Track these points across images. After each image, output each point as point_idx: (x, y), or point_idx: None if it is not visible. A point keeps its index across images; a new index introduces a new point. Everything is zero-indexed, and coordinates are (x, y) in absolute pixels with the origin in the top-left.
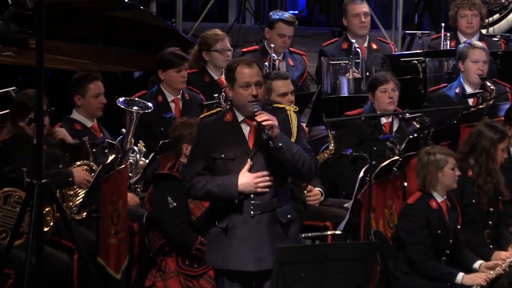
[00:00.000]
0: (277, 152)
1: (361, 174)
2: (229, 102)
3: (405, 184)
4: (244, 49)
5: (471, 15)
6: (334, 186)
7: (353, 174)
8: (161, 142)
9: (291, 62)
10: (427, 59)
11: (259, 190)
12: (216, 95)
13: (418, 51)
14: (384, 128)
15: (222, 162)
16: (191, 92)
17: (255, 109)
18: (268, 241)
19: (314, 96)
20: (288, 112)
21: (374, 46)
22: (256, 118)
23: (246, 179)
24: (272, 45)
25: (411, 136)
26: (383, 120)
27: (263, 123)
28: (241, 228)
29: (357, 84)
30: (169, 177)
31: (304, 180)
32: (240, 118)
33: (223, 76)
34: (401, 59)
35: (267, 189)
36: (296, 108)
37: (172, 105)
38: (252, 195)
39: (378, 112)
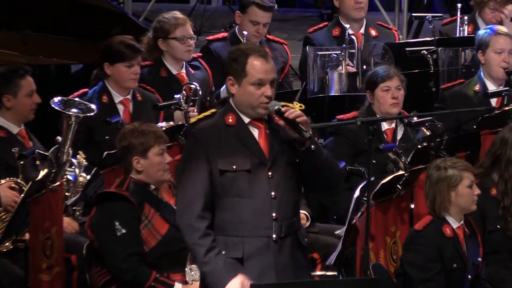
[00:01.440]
0: (311, 154)
1: (357, 193)
2: (202, 100)
3: (412, 205)
4: (210, 37)
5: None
6: (323, 209)
7: (346, 193)
8: (105, 153)
9: (269, 53)
10: (439, 48)
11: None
12: (178, 95)
13: (428, 38)
14: (385, 136)
15: (234, 176)
16: (144, 91)
17: (276, 107)
18: (291, 272)
19: (297, 96)
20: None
21: (373, 33)
22: (286, 115)
23: None
24: (245, 33)
25: (419, 146)
26: (385, 125)
27: (298, 119)
28: (262, 256)
29: (352, 80)
30: (116, 197)
31: (330, 191)
32: (246, 119)
33: (183, 70)
34: (407, 49)
35: None
36: (302, 106)
37: (120, 107)
38: (274, 214)
39: (378, 116)
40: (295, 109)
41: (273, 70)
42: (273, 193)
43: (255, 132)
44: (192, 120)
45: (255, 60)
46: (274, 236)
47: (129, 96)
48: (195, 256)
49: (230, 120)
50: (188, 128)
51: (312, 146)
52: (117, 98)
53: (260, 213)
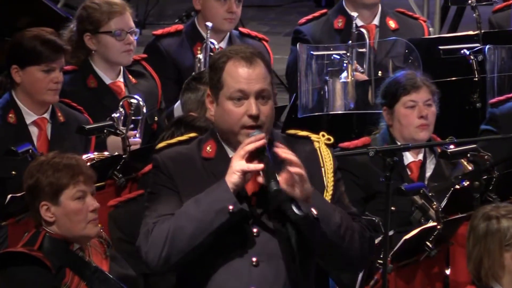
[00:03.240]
0: (309, 226)
1: None
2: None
3: (448, 271)
4: (158, 31)
5: None
6: (321, 275)
7: None
8: (9, 196)
9: None
10: (486, 46)
11: (249, 148)
12: (117, 114)
13: (471, 32)
14: (409, 172)
15: None
16: (69, 109)
17: (250, 138)
18: None
19: (284, 113)
20: (317, 145)
21: (392, 24)
22: (262, 162)
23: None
24: (209, 24)
25: (458, 186)
26: (409, 157)
27: (291, 169)
28: None
29: (362, 92)
30: (25, 260)
31: (349, 270)
32: (231, 152)
33: (120, 79)
34: (441, 48)
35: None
36: (330, 139)
37: (34, 130)
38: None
39: (399, 144)
40: (284, 150)
41: (262, 78)
42: (254, 259)
43: None
44: (160, 145)
45: (234, 65)
46: None
47: (46, 115)
48: (160, 242)
49: (208, 150)
50: (153, 155)
51: (314, 212)
52: (30, 117)
53: (234, 284)
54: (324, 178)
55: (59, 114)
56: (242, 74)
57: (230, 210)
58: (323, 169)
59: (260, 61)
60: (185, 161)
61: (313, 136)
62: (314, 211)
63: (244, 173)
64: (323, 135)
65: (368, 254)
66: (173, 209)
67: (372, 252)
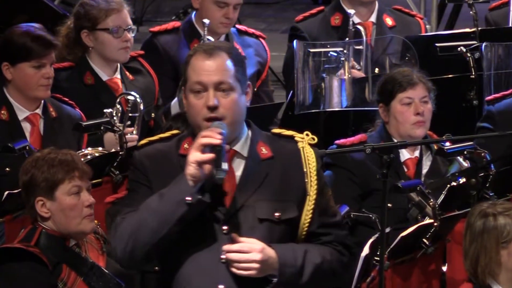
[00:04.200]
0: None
1: (365, 250)
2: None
3: (444, 268)
4: (155, 28)
5: None
6: None
7: None
8: (6, 193)
9: (239, 51)
10: (483, 44)
11: (206, 140)
12: (109, 110)
13: (468, 30)
14: (406, 169)
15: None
16: (61, 105)
17: (207, 132)
18: None
19: (281, 111)
20: (300, 144)
21: (389, 22)
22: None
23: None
24: (206, 21)
25: (454, 183)
26: (405, 154)
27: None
28: None
29: (359, 89)
30: (22, 256)
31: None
32: None
33: (117, 75)
34: (438, 45)
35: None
36: (314, 139)
37: (26, 126)
38: (221, 286)
39: (396, 141)
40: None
41: (221, 70)
42: (222, 256)
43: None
44: (141, 142)
45: (196, 58)
46: None
47: (38, 111)
48: (124, 235)
49: (185, 147)
50: (133, 152)
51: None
52: (22, 113)
53: (204, 281)
54: (307, 181)
55: (51, 109)
56: (201, 66)
57: (188, 201)
58: (306, 171)
59: (223, 53)
60: (161, 159)
61: (297, 136)
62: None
63: (199, 164)
64: (307, 135)
65: (342, 277)
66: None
67: (346, 273)
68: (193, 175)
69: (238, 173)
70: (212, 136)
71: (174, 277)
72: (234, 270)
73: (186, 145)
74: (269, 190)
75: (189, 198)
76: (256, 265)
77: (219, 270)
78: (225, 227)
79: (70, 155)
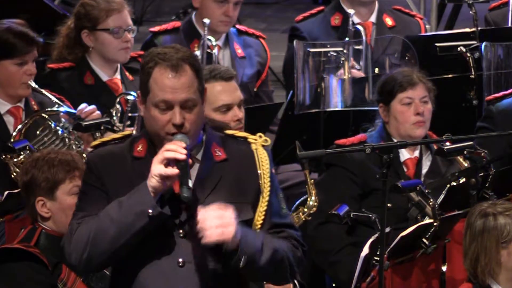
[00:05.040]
0: (238, 270)
1: (365, 250)
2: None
3: (444, 268)
4: (155, 28)
5: None
6: (317, 271)
7: (350, 250)
8: (6, 193)
9: (239, 51)
10: (483, 44)
11: (171, 155)
12: (114, 109)
13: (468, 30)
14: (406, 169)
15: None
16: (42, 96)
17: (171, 145)
18: None
19: (280, 111)
20: (254, 146)
21: (389, 22)
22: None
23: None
24: (206, 21)
25: (454, 183)
26: (405, 154)
27: (199, 225)
28: None
29: (359, 89)
30: (21, 256)
31: (274, 283)
32: None
33: (117, 76)
34: (437, 45)
35: (182, 154)
36: (267, 141)
37: (9, 119)
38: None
39: (396, 140)
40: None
41: (187, 87)
42: (180, 260)
43: None
44: (94, 143)
45: (160, 73)
46: None
47: (20, 104)
48: (81, 241)
49: (139, 150)
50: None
51: (241, 263)
52: (4, 106)
53: (161, 285)
54: (260, 182)
55: (33, 102)
56: (167, 84)
57: (150, 214)
58: (260, 172)
59: (187, 67)
60: (115, 161)
61: (251, 138)
62: (241, 261)
63: (163, 178)
64: (260, 137)
65: (297, 271)
66: (98, 209)
67: (301, 267)
68: (155, 187)
69: (193, 176)
70: (177, 151)
71: (134, 283)
72: (207, 236)
73: (140, 148)
74: (224, 192)
75: (151, 211)
76: (221, 221)
77: (177, 273)
78: (181, 231)
79: (71, 155)
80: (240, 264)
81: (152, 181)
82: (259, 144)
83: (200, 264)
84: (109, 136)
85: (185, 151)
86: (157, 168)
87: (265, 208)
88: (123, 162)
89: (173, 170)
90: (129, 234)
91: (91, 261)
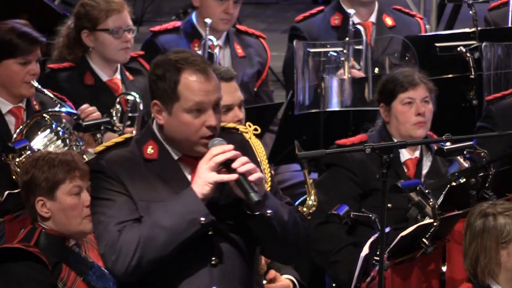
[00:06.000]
0: (262, 224)
1: (365, 250)
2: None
3: (444, 268)
4: (156, 28)
5: None
6: (317, 272)
7: (350, 250)
8: (6, 193)
9: (239, 50)
10: (483, 44)
11: (220, 159)
12: (114, 110)
13: (468, 30)
14: (406, 169)
15: None
16: (43, 96)
17: (217, 149)
18: None
19: (280, 111)
20: (247, 136)
21: (389, 22)
22: (235, 166)
23: (198, 172)
24: (207, 20)
25: (454, 183)
26: (405, 154)
27: (251, 178)
28: None
29: (359, 89)
30: (21, 256)
31: (290, 261)
32: (174, 154)
33: (117, 76)
34: (437, 45)
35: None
36: (258, 129)
37: (10, 119)
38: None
39: (396, 141)
40: (246, 160)
41: (217, 88)
42: (213, 259)
43: (188, 174)
44: (98, 148)
45: (191, 77)
46: None
47: (22, 104)
48: (130, 252)
49: (150, 152)
50: (93, 161)
51: (268, 212)
52: (5, 106)
53: (196, 286)
54: (263, 168)
55: (34, 102)
56: (201, 87)
57: (202, 222)
58: (260, 160)
59: (211, 70)
60: (129, 164)
61: (241, 128)
62: (268, 210)
63: (216, 184)
64: (250, 125)
65: (306, 239)
66: (131, 214)
67: (307, 237)
68: (206, 195)
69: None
70: (225, 151)
71: (163, 284)
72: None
73: (150, 150)
74: (232, 190)
75: (203, 219)
76: (261, 174)
77: (212, 273)
78: (211, 230)
79: (71, 155)
80: (267, 213)
81: (205, 189)
82: (251, 133)
83: (230, 261)
84: (110, 141)
85: (234, 152)
86: (211, 176)
87: (269, 190)
88: (137, 165)
89: (231, 176)
90: (179, 241)
91: (139, 268)
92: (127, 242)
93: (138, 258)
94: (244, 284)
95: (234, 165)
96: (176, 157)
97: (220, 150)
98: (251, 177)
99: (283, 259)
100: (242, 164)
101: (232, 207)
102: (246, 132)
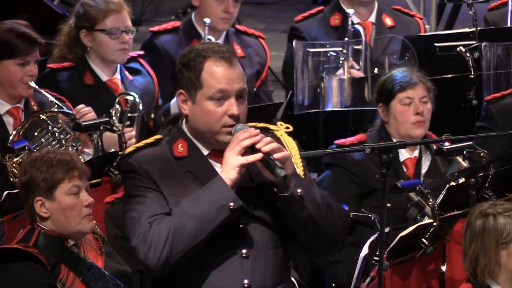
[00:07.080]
0: (294, 205)
1: (365, 250)
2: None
3: (444, 268)
4: (155, 28)
5: None
6: (317, 272)
7: (349, 250)
8: (6, 193)
9: (239, 51)
10: (482, 44)
11: (246, 143)
12: (113, 110)
13: (467, 30)
14: (405, 169)
15: None
16: (41, 96)
17: (244, 134)
18: None
19: (280, 111)
20: (278, 133)
21: (389, 22)
22: (259, 147)
23: (225, 159)
24: (207, 20)
25: (454, 183)
26: (404, 154)
27: (276, 155)
28: None
29: (358, 89)
30: (20, 256)
31: (329, 247)
32: (203, 149)
33: (117, 76)
34: (437, 45)
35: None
36: (289, 127)
37: (9, 120)
38: (246, 281)
39: (395, 140)
40: (269, 140)
41: (242, 78)
42: (244, 251)
43: (218, 168)
44: (128, 149)
45: (215, 65)
46: None
47: (20, 104)
48: (161, 242)
49: (180, 150)
50: (123, 160)
51: (298, 191)
52: (3, 107)
53: (227, 278)
54: (296, 163)
55: (32, 103)
56: (224, 74)
57: (232, 207)
58: (292, 155)
59: (236, 60)
60: (160, 162)
61: (272, 127)
62: (298, 190)
63: (242, 167)
64: (281, 124)
65: (345, 230)
66: (162, 208)
67: (347, 229)
68: (234, 180)
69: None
70: (251, 135)
71: (199, 280)
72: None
73: (180, 148)
74: (262, 183)
75: (233, 204)
76: (287, 152)
77: (243, 265)
78: (241, 222)
79: (69, 155)
80: (298, 192)
81: (231, 173)
82: (283, 131)
83: (262, 253)
84: (141, 142)
85: (261, 134)
86: (236, 159)
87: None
88: (167, 163)
89: (256, 155)
90: (209, 229)
91: (170, 258)
92: (158, 233)
93: (169, 248)
94: (276, 278)
95: (258, 145)
96: (205, 153)
97: (247, 135)
98: (276, 155)
99: (319, 247)
100: (265, 143)
101: (263, 195)
102: (277, 130)
